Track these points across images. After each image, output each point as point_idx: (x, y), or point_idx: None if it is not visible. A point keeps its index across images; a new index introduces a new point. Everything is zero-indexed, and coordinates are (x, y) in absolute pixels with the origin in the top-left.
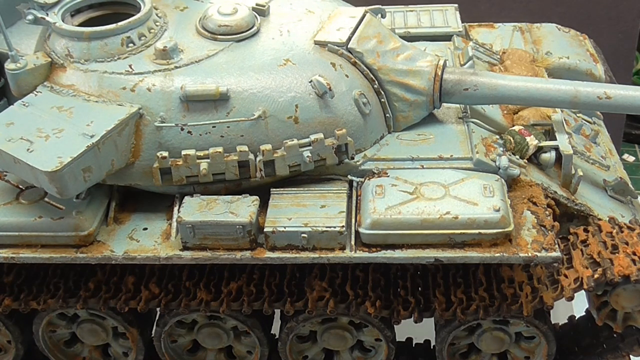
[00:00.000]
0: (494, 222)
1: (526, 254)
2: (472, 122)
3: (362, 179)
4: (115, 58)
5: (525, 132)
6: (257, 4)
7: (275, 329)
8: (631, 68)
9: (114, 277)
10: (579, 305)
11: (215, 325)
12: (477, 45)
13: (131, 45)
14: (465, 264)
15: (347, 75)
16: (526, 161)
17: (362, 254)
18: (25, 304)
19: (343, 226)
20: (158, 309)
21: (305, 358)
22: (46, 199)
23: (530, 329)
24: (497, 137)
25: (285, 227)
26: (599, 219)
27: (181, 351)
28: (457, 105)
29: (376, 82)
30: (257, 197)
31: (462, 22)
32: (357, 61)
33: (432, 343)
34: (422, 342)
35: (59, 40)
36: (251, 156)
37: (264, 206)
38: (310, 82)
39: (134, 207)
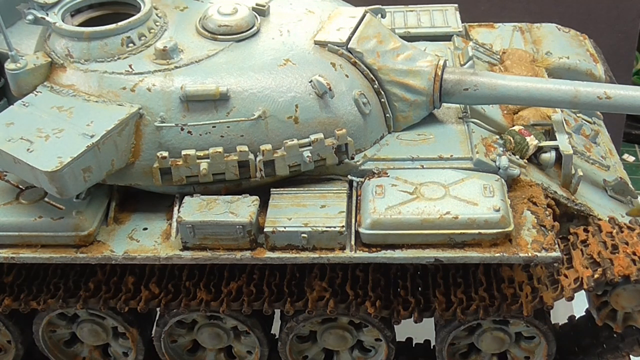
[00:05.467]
0: (494, 222)
1: (526, 254)
2: (472, 122)
3: (362, 179)
4: (115, 58)
5: (525, 132)
6: (257, 4)
7: (275, 329)
8: (631, 68)
9: (114, 277)
10: (579, 305)
11: (215, 325)
12: (477, 45)
13: (131, 45)
14: (465, 264)
15: (347, 75)
16: (526, 161)
17: (362, 254)
18: (25, 304)
19: (343, 226)
20: (158, 309)
21: (305, 358)
22: (46, 199)
23: (530, 329)
24: (497, 137)
25: (285, 227)
26: (599, 219)
27: (181, 351)
28: (457, 105)
29: (376, 82)
30: (257, 197)
31: (462, 22)
32: (357, 61)
33: (432, 343)
34: (422, 342)
35: (59, 40)
36: (251, 156)
37: (264, 206)
38: (310, 82)
39: (134, 207)
